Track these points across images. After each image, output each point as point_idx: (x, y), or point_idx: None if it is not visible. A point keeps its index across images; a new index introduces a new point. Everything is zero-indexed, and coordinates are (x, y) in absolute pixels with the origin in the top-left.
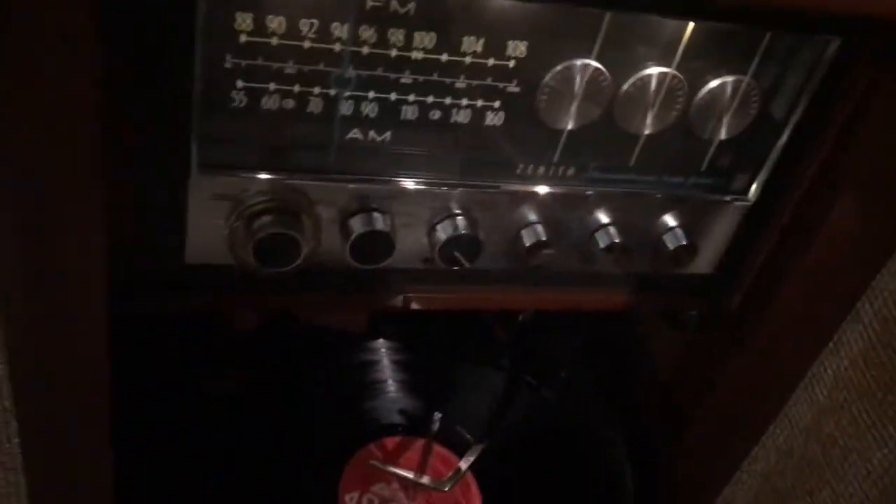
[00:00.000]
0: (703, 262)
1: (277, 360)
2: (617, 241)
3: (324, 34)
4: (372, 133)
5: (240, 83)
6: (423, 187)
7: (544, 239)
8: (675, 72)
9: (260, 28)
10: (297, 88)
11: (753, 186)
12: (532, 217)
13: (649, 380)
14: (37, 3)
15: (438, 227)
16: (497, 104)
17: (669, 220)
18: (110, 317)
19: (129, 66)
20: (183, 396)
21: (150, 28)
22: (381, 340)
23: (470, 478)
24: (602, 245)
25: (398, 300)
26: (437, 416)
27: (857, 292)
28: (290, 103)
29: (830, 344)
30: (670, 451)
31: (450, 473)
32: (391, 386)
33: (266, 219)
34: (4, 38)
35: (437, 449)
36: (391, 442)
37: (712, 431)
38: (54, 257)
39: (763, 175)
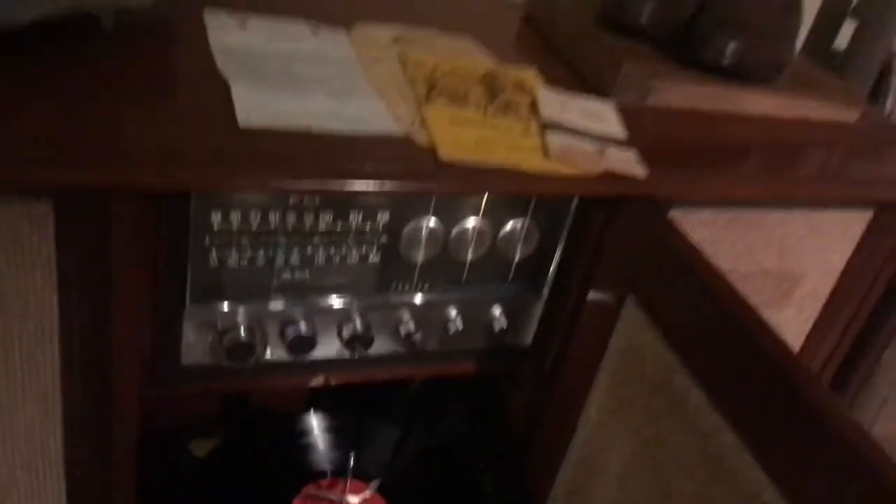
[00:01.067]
0: (522, 338)
1: (240, 432)
2: (461, 328)
3: (264, 219)
4: (297, 273)
5: (213, 251)
6: (331, 304)
7: (413, 330)
8: (482, 221)
9: (225, 219)
10: (249, 253)
11: (545, 288)
12: (405, 317)
13: (505, 420)
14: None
15: (343, 328)
16: (375, 249)
17: (496, 311)
18: (140, 396)
19: (159, 244)
20: (172, 456)
21: (170, 227)
22: (311, 412)
23: (379, 497)
24: (452, 331)
25: (320, 379)
26: (352, 456)
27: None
28: (245, 261)
29: (595, 381)
30: (518, 461)
31: (363, 495)
32: (322, 444)
33: (233, 333)
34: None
35: (353, 482)
36: (325, 482)
37: (540, 445)
38: (110, 349)
39: (549, 280)
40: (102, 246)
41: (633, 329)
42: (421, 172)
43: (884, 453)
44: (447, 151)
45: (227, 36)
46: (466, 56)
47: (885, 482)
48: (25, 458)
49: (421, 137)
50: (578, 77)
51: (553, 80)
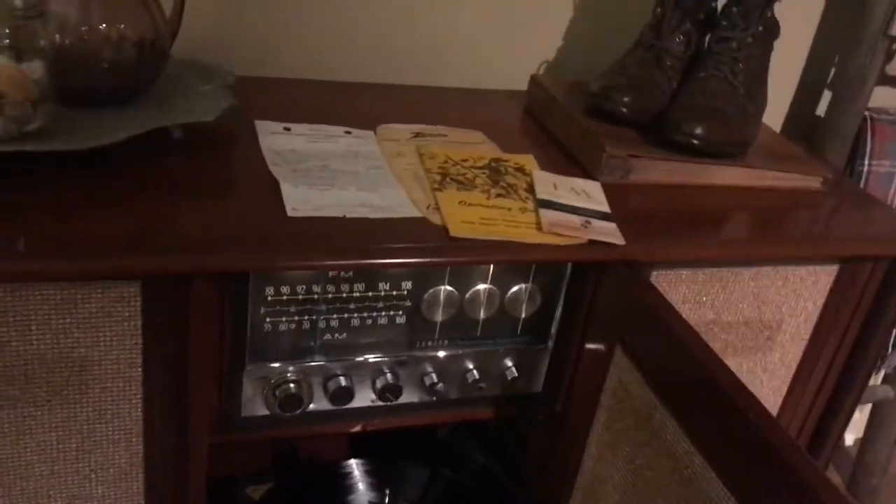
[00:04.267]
0: (533, 385)
1: (290, 477)
2: (478, 378)
3: (308, 290)
4: (336, 335)
5: (267, 318)
6: (366, 360)
7: (437, 381)
8: (491, 286)
9: (277, 292)
10: (296, 318)
11: (550, 340)
12: (429, 369)
13: (523, 458)
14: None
15: (377, 381)
16: (401, 312)
17: (508, 362)
18: (209, 444)
19: (224, 315)
20: (234, 499)
21: (233, 300)
22: (352, 460)
23: None
24: (470, 381)
25: (358, 426)
26: (387, 494)
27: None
28: (293, 326)
29: (595, 419)
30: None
31: None
32: (361, 485)
33: (284, 387)
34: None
35: None
36: None
37: (553, 479)
38: (186, 405)
39: (553, 332)
40: (180, 319)
41: (621, 372)
42: (436, 248)
43: (815, 468)
44: (456, 229)
45: (274, 139)
46: (474, 147)
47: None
48: (113, 499)
49: (435, 218)
50: (570, 159)
51: (549, 163)
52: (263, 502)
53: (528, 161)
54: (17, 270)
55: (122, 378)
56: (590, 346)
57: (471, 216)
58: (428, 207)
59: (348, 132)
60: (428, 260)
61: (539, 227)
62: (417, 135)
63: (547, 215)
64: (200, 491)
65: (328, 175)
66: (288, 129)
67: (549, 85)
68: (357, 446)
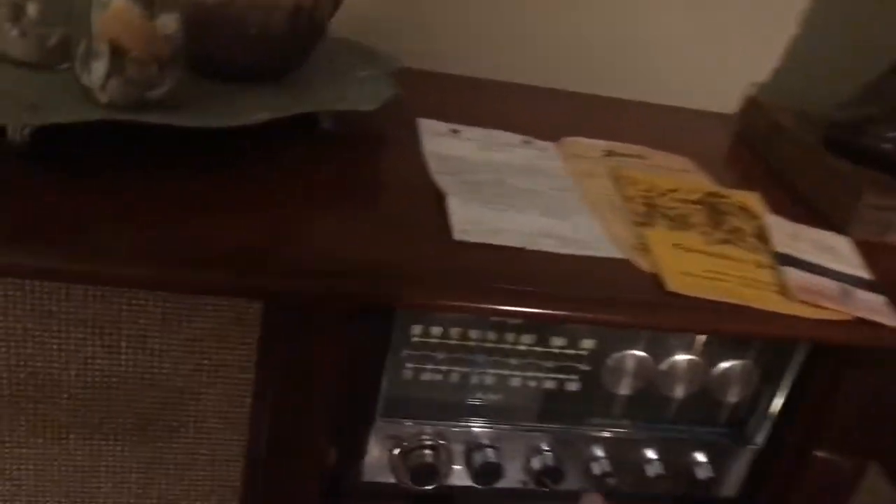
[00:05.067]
0: (728, 489)
1: None
2: (661, 472)
3: (464, 335)
4: (490, 394)
5: (408, 364)
6: (524, 431)
7: (609, 470)
8: (697, 358)
9: (425, 333)
10: (444, 367)
11: (761, 435)
12: (599, 453)
13: None
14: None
15: (532, 459)
16: (574, 377)
17: (700, 457)
18: None
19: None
20: None
21: (372, 337)
22: None
23: None
24: (651, 474)
25: None
26: None
27: None
28: (438, 377)
29: None
30: None
31: None
32: None
33: (418, 452)
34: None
35: None
36: None
37: None
38: (298, 458)
39: (768, 427)
40: (305, 354)
41: (877, 502)
42: (643, 304)
43: None
44: (675, 282)
45: (440, 142)
46: (682, 175)
47: None
48: None
49: (642, 263)
50: (802, 204)
51: (774, 206)
52: None
53: (753, 200)
54: (117, 274)
55: (224, 419)
56: (822, 455)
57: (691, 266)
58: (632, 247)
59: (527, 142)
60: (631, 319)
61: (782, 290)
62: (610, 153)
63: (792, 276)
64: None
65: (505, 192)
66: (456, 132)
67: (772, 110)
68: None
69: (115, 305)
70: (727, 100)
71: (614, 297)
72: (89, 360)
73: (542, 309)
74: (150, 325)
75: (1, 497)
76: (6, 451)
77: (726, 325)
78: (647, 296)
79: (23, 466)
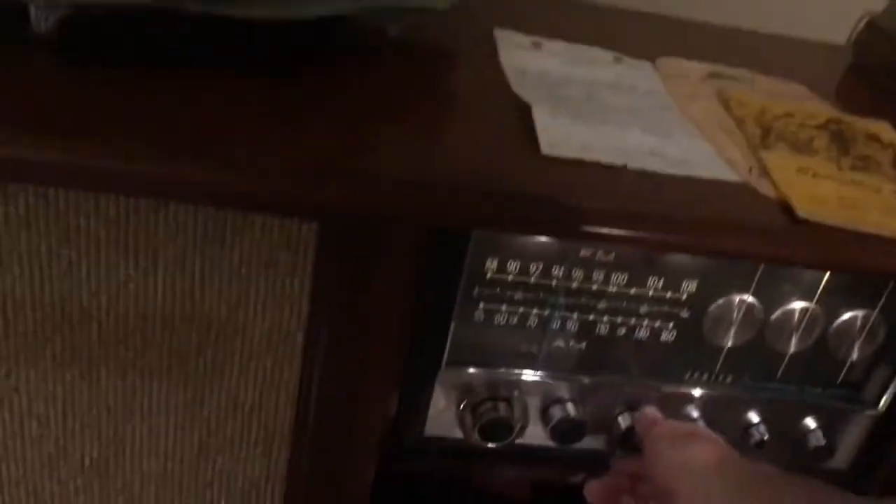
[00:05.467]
0: (839, 460)
1: None
2: (766, 437)
3: (546, 272)
4: (572, 342)
5: (481, 304)
6: (610, 385)
7: None
8: (815, 306)
9: (501, 268)
10: (520, 310)
11: (883, 399)
12: (694, 413)
13: None
14: None
15: (619, 418)
16: (671, 325)
17: (810, 422)
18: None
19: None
20: None
21: (441, 269)
22: None
23: None
24: (753, 440)
25: (580, 477)
26: None
27: None
28: (514, 320)
29: None
30: None
31: None
32: None
33: (489, 405)
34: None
35: None
36: None
37: None
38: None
39: (892, 390)
40: (365, 283)
41: None
42: (773, 231)
43: None
44: (806, 208)
45: (520, 56)
46: (798, 101)
47: None
48: None
49: (764, 188)
50: None
51: None
52: None
53: (885, 129)
54: (161, 177)
55: (273, 357)
56: None
57: (822, 193)
58: (750, 171)
59: (619, 59)
60: (761, 250)
61: None
62: (713, 75)
63: None
64: None
65: (598, 108)
66: (538, 45)
67: None
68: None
69: (151, 222)
70: (835, 30)
71: (740, 222)
72: (122, 286)
73: (653, 233)
74: (189, 245)
75: (28, 436)
76: (31, 387)
77: (870, 260)
78: (776, 223)
79: (49, 405)
